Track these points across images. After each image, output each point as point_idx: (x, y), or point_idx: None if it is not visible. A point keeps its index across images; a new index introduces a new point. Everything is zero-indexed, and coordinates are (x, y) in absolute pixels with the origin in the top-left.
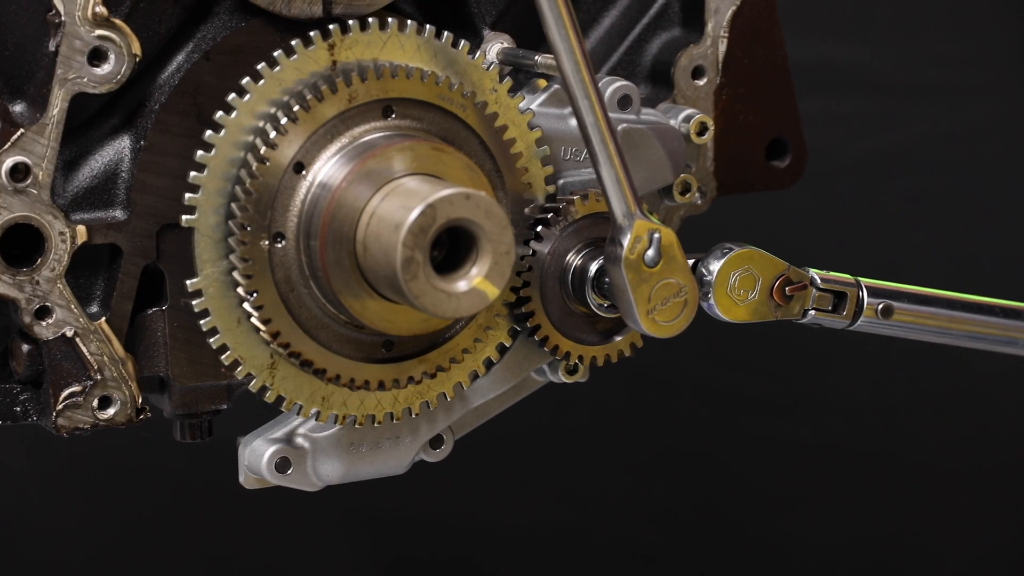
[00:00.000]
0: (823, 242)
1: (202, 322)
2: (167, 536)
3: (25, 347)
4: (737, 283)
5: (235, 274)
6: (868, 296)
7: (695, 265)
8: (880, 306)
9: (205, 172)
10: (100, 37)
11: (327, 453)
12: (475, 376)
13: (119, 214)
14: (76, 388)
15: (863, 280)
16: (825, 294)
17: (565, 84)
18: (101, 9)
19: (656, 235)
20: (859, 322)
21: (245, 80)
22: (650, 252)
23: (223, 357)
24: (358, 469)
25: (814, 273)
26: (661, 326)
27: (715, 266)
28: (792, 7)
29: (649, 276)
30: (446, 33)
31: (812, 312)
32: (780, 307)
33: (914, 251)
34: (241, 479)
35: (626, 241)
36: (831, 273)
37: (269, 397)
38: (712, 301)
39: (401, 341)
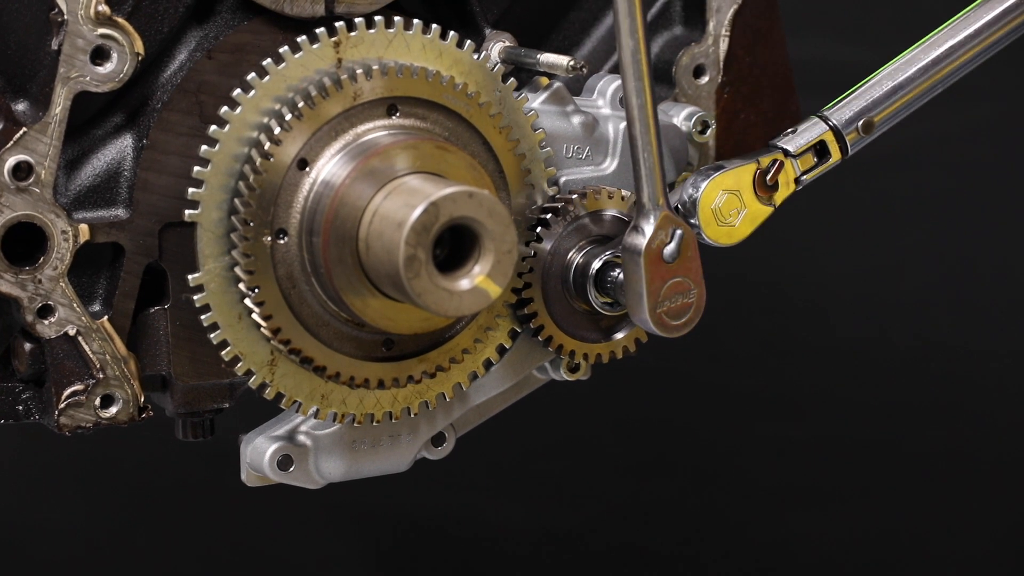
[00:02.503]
0: (823, 241)
1: (203, 317)
2: (169, 534)
3: (27, 346)
4: (722, 209)
5: (237, 270)
6: (843, 127)
7: (676, 208)
8: (860, 125)
9: (209, 167)
10: (102, 36)
11: (329, 451)
12: (474, 377)
13: (121, 213)
14: (78, 387)
15: (827, 114)
16: (805, 154)
17: (620, 62)
18: (104, 8)
19: (678, 232)
20: (852, 151)
21: (250, 76)
22: (670, 247)
23: (223, 353)
24: (360, 467)
25: (781, 144)
26: (667, 325)
27: (694, 204)
28: (793, 7)
29: (664, 272)
30: (451, 33)
31: (804, 177)
32: (772, 196)
33: (914, 251)
34: (243, 477)
35: (649, 230)
36: (797, 131)
37: (268, 394)
38: (710, 239)
39: (401, 340)
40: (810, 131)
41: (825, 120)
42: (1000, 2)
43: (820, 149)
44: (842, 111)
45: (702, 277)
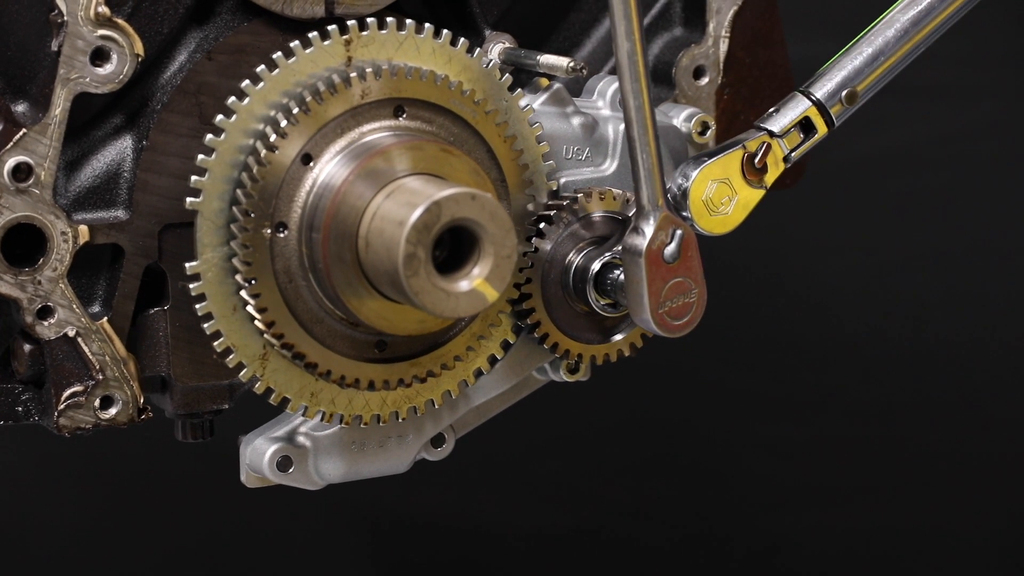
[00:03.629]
0: (823, 242)
1: (198, 307)
2: (168, 535)
3: (27, 347)
4: (713, 199)
5: (235, 260)
6: (826, 100)
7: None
8: (843, 95)
9: (213, 156)
10: (102, 37)
11: (328, 452)
12: (465, 385)
13: (121, 214)
14: (78, 388)
15: (810, 88)
16: (790, 132)
17: (617, 64)
18: (103, 9)
19: (679, 232)
20: (837, 123)
21: (259, 68)
22: (671, 247)
23: (216, 344)
24: (359, 468)
25: (766, 125)
26: (669, 325)
27: (684, 196)
28: (792, 7)
29: (665, 272)
30: (462, 39)
31: (792, 154)
32: (762, 178)
33: (915, 250)
34: (243, 478)
35: (649, 231)
36: (780, 110)
37: (259, 388)
38: (703, 230)
39: (394, 342)
40: (793, 108)
41: (807, 95)
42: None
43: (806, 125)
44: (824, 84)
45: (703, 277)
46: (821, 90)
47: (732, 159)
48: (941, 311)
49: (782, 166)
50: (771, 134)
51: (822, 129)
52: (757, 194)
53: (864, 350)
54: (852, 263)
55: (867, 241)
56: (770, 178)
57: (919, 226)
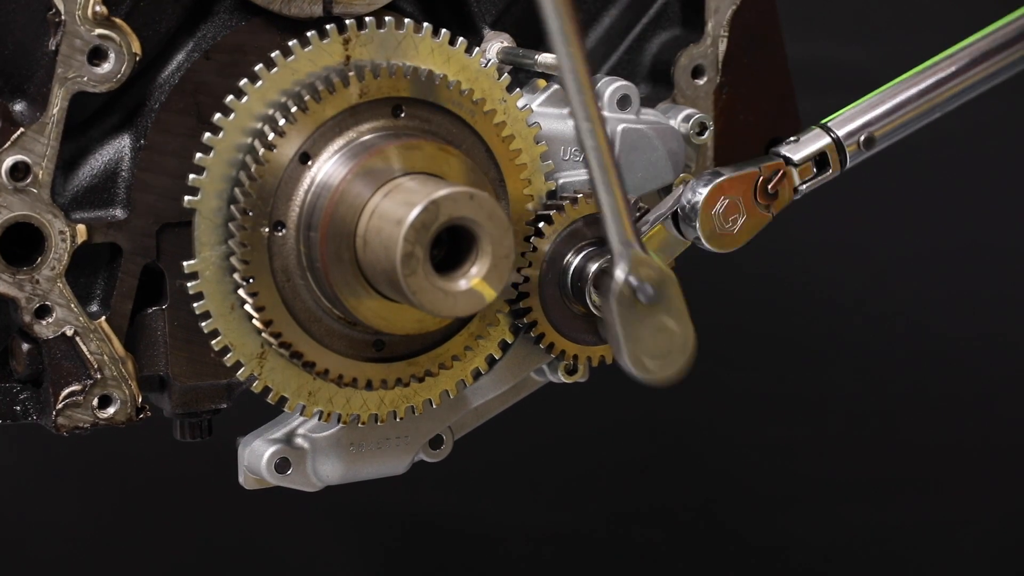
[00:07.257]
0: (823, 241)
1: (195, 305)
2: (168, 535)
3: (25, 346)
4: (723, 215)
5: (233, 259)
6: (845, 139)
7: (674, 216)
8: (862, 139)
9: (211, 155)
10: (100, 36)
11: (327, 453)
12: (463, 385)
13: (119, 213)
14: (76, 387)
15: (830, 124)
16: (806, 164)
17: (572, 111)
18: (101, 8)
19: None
20: (850, 164)
21: (258, 67)
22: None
23: (213, 342)
24: (358, 469)
25: (784, 152)
26: (651, 371)
27: (695, 210)
28: (792, 7)
29: (643, 316)
30: (460, 39)
31: (802, 187)
32: (771, 204)
33: (914, 250)
34: (241, 479)
35: (622, 274)
36: (799, 140)
37: (256, 387)
38: (709, 246)
39: (392, 342)
40: (813, 142)
41: (828, 131)
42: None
43: (821, 160)
44: (846, 123)
45: (688, 318)
46: (842, 128)
47: (746, 179)
48: (941, 311)
49: (790, 198)
50: (788, 161)
51: (835, 167)
52: (764, 218)
53: (865, 350)
54: (852, 263)
55: (867, 241)
56: (777, 206)
57: (919, 226)
